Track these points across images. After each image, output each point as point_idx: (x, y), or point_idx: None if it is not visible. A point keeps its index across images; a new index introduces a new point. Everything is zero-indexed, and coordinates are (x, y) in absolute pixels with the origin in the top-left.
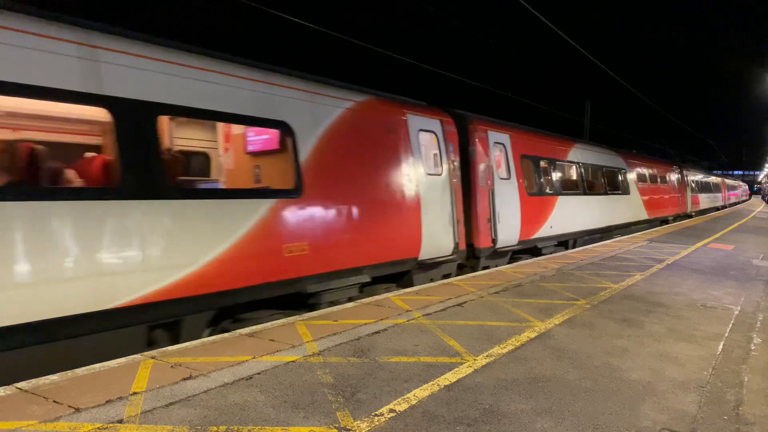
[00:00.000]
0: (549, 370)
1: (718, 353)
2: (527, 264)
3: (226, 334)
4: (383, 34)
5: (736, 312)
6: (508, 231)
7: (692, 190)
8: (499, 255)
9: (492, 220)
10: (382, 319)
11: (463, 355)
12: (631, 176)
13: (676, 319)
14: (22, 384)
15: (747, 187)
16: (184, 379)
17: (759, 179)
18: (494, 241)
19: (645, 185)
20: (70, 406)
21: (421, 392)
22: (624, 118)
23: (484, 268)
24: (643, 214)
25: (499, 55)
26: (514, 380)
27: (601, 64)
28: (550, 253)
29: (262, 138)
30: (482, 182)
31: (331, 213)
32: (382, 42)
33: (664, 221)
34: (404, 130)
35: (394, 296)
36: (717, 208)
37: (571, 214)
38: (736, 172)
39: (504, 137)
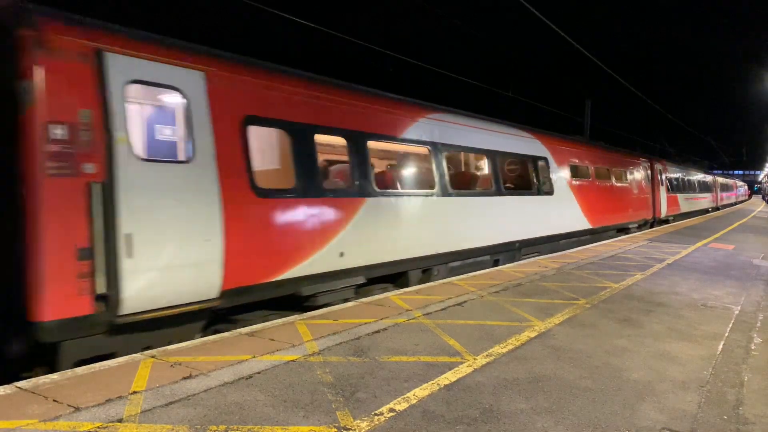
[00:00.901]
0: (549, 369)
1: (718, 353)
2: (527, 263)
3: (225, 334)
4: (383, 34)
5: (737, 312)
6: (177, 273)
7: (669, 189)
8: (145, 327)
9: (98, 252)
10: (382, 319)
11: (463, 355)
12: (561, 170)
13: (676, 318)
14: (21, 383)
15: (747, 186)
16: (184, 378)
17: (759, 179)
18: (109, 299)
19: (587, 183)
20: (69, 405)
21: (421, 392)
22: (624, 118)
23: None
24: (581, 223)
25: (499, 55)
26: (514, 380)
27: (601, 63)
28: (344, 301)
29: None
30: (53, 167)
31: None
32: (382, 42)
33: (622, 230)
34: None
35: (394, 296)
36: (707, 211)
37: (403, 227)
38: (737, 172)
39: (181, 75)
